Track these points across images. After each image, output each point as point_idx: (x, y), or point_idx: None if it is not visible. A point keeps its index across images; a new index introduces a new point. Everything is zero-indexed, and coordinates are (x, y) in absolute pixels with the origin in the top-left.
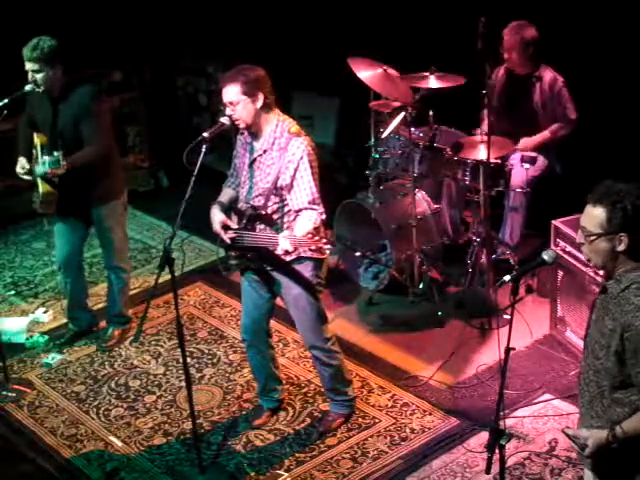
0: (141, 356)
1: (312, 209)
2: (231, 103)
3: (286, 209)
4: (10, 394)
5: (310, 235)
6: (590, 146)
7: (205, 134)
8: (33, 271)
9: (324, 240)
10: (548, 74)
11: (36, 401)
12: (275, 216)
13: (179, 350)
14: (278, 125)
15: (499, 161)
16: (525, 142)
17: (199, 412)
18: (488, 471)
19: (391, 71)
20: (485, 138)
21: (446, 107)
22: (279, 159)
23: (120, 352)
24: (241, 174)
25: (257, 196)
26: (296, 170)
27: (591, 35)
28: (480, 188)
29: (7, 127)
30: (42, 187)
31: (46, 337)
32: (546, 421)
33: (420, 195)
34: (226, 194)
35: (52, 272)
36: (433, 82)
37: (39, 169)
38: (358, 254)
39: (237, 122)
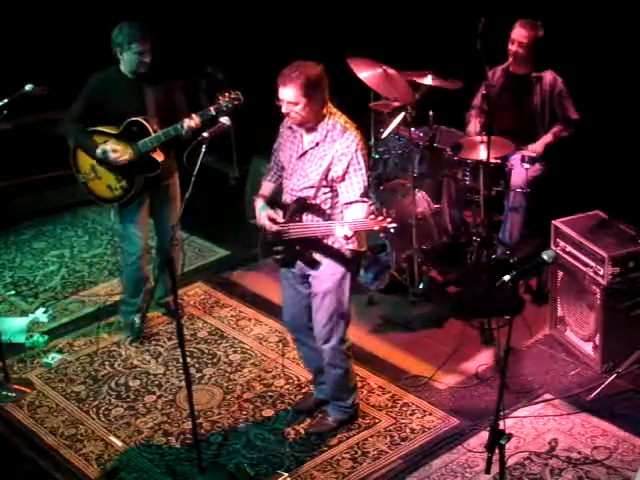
0: (141, 356)
1: (363, 202)
2: (289, 103)
3: (336, 200)
4: (10, 394)
5: (373, 216)
6: (589, 147)
7: (205, 134)
8: (33, 271)
9: (389, 219)
10: (548, 75)
11: (36, 401)
12: (324, 206)
13: (179, 350)
14: (330, 118)
15: (499, 161)
16: (533, 147)
17: (199, 412)
18: (488, 471)
19: (391, 71)
20: (483, 138)
21: (446, 107)
22: (330, 151)
23: (120, 352)
24: (287, 167)
25: (306, 188)
26: (349, 163)
27: (588, 37)
28: (480, 188)
29: (7, 127)
30: (159, 156)
31: (46, 337)
32: (546, 421)
33: (420, 195)
34: (267, 188)
35: (52, 272)
36: (430, 83)
37: (186, 126)
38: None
39: (291, 119)
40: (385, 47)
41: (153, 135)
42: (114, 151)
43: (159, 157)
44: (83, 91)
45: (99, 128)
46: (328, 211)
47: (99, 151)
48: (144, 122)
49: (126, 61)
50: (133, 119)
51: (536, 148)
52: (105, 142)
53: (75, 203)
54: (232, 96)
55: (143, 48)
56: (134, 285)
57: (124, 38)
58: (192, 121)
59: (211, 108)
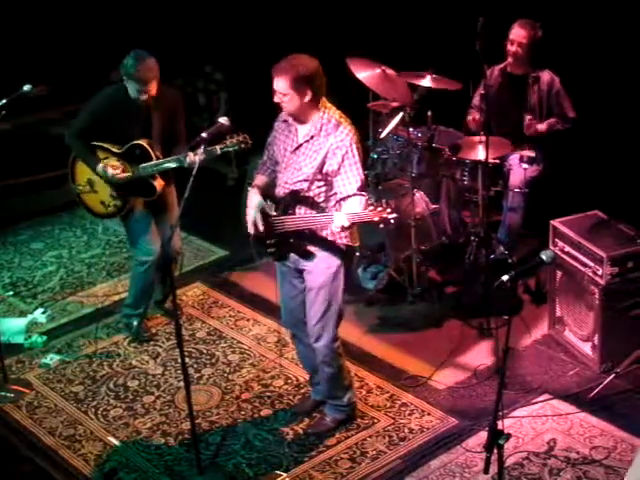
0: (139, 356)
1: (361, 195)
2: (280, 93)
3: (330, 193)
4: (9, 394)
5: (372, 207)
6: (587, 147)
7: (204, 134)
8: (32, 272)
9: (388, 210)
10: (545, 75)
11: (35, 401)
12: (318, 200)
13: (178, 350)
14: (325, 112)
15: (497, 161)
16: (540, 127)
17: (198, 412)
18: (487, 471)
19: (389, 71)
20: (481, 138)
21: (444, 108)
22: (325, 144)
23: (119, 352)
24: (282, 160)
25: (300, 181)
26: (344, 157)
27: (585, 36)
28: (478, 188)
29: (6, 127)
30: (158, 184)
31: (44, 337)
32: (545, 421)
33: (418, 195)
34: (261, 179)
35: (50, 273)
36: (429, 83)
37: (189, 161)
38: (357, 254)
39: (284, 109)
40: (384, 47)
41: (155, 162)
42: (113, 167)
43: (158, 184)
44: (89, 106)
45: (102, 144)
46: (322, 204)
47: (100, 167)
48: (147, 147)
49: (130, 89)
50: (137, 142)
51: (542, 128)
52: (106, 158)
53: (73, 203)
54: (240, 139)
55: (144, 86)
56: (142, 292)
57: (127, 70)
58: (196, 157)
59: (217, 147)
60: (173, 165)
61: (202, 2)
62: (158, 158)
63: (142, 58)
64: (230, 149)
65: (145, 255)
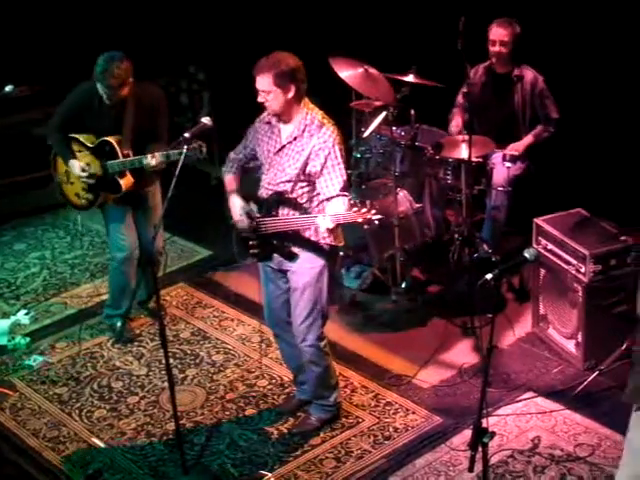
0: (123, 357)
1: (344, 196)
2: (263, 91)
3: (313, 194)
4: None
5: (356, 209)
6: (571, 145)
7: (186, 134)
8: (15, 273)
9: (373, 211)
10: (529, 73)
11: (18, 403)
12: (301, 201)
13: (162, 351)
14: (308, 113)
15: (480, 160)
16: (514, 147)
17: (182, 413)
18: (471, 469)
19: (372, 70)
20: (465, 137)
21: (428, 106)
22: (308, 145)
23: (102, 353)
24: (265, 162)
25: (283, 182)
26: (327, 158)
27: (568, 34)
28: (462, 187)
29: None
30: (125, 182)
31: (28, 339)
32: (529, 419)
33: (402, 194)
34: (232, 182)
35: (33, 274)
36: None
37: (146, 162)
38: (340, 253)
39: (268, 108)
40: (366, 47)
41: (120, 160)
42: (82, 169)
43: (125, 182)
44: (66, 101)
45: (78, 137)
46: (305, 205)
47: (70, 163)
48: (115, 145)
49: (99, 88)
50: (106, 139)
51: (517, 148)
52: (80, 151)
53: (56, 204)
54: (195, 146)
55: (108, 91)
56: (119, 290)
57: (95, 70)
58: (153, 159)
59: (174, 152)
60: (137, 165)
61: (186, 2)
62: (127, 156)
63: (111, 63)
64: (185, 156)
65: (117, 250)
